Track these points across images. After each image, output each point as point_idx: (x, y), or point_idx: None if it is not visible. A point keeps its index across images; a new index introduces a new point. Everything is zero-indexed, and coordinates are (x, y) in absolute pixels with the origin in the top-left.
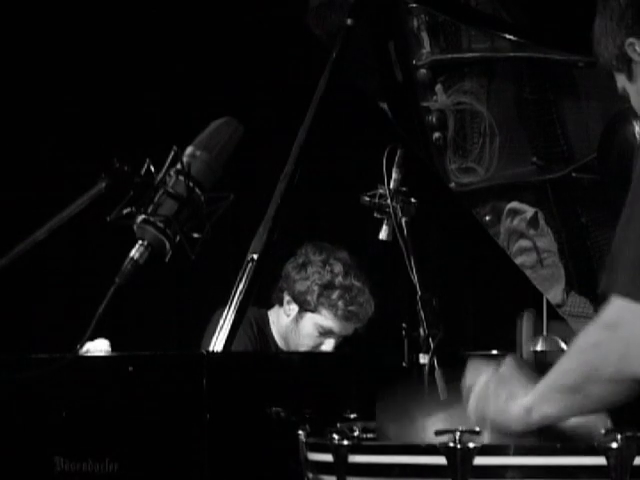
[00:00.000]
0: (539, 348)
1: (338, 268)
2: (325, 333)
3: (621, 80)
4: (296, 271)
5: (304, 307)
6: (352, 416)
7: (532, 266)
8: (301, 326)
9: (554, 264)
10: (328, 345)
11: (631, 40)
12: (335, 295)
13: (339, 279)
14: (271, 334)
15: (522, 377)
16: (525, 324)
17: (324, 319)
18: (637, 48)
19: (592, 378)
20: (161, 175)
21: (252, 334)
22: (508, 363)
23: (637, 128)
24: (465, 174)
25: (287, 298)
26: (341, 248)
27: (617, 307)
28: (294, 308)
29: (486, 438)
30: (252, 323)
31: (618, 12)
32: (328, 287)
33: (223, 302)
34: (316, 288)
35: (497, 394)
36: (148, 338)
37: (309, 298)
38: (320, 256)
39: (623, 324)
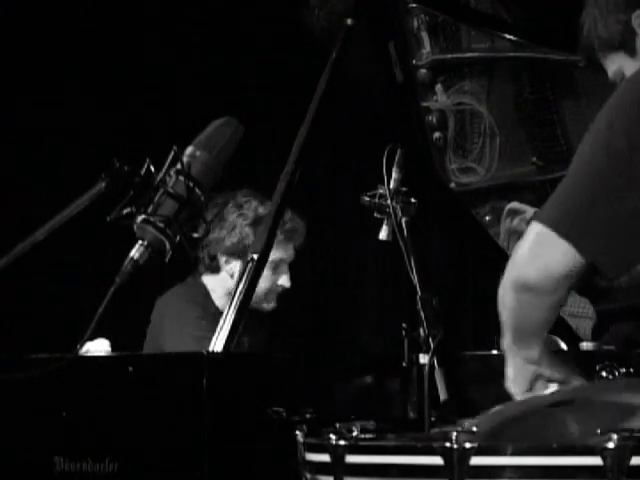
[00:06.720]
0: None
1: (254, 202)
2: (276, 267)
3: (618, 60)
4: (218, 230)
5: (245, 254)
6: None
7: None
8: None
9: None
10: (284, 280)
11: (638, 12)
12: None
13: (261, 210)
14: (213, 303)
15: None
16: None
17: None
18: None
19: (503, 288)
20: (161, 175)
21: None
22: None
23: None
24: (465, 174)
25: (224, 258)
26: (235, 188)
27: (538, 232)
28: (235, 264)
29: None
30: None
31: None
32: (257, 222)
33: None
34: (247, 229)
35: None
36: None
37: (247, 242)
38: (230, 203)
39: (540, 244)
